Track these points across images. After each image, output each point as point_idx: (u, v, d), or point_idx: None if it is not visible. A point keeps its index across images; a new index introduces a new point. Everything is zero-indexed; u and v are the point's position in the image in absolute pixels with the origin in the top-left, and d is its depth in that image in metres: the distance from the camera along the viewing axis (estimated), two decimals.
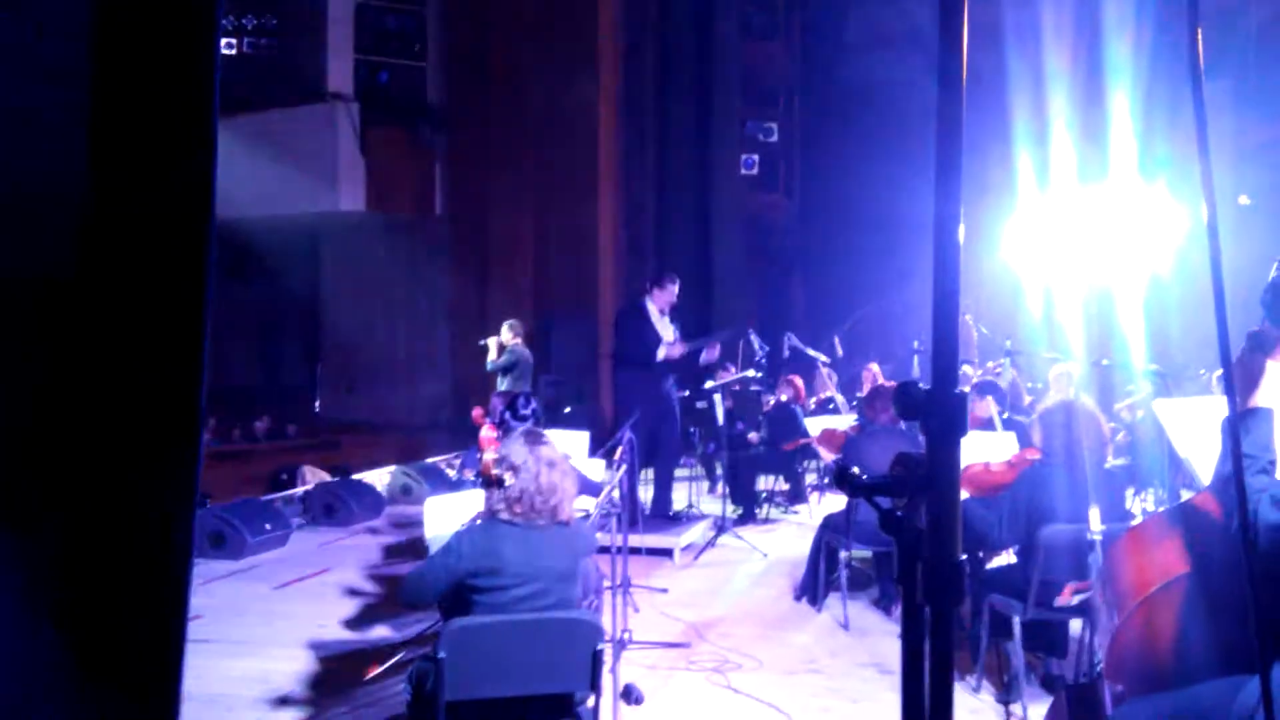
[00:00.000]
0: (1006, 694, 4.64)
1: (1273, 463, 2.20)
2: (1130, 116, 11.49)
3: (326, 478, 9.96)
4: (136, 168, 1.16)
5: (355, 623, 5.94)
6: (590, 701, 3.35)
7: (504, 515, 3.32)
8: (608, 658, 3.67)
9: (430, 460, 10.76)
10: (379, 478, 9.94)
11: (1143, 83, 11.77)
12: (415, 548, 7.16)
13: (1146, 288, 11.15)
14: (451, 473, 10.18)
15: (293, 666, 5.13)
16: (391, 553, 7.77)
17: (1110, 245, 11.45)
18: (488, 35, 13.21)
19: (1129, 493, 6.34)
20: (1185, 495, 6.02)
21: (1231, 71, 12.36)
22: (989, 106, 12.29)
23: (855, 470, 1.25)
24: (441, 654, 3.02)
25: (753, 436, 9.28)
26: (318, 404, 16.27)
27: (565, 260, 13.21)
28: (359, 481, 9.54)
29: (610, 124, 13.58)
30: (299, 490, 9.44)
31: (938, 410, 1.02)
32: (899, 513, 1.16)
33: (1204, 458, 3.60)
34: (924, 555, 1.09)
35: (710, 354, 8.04)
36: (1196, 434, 3.77)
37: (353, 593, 6.56)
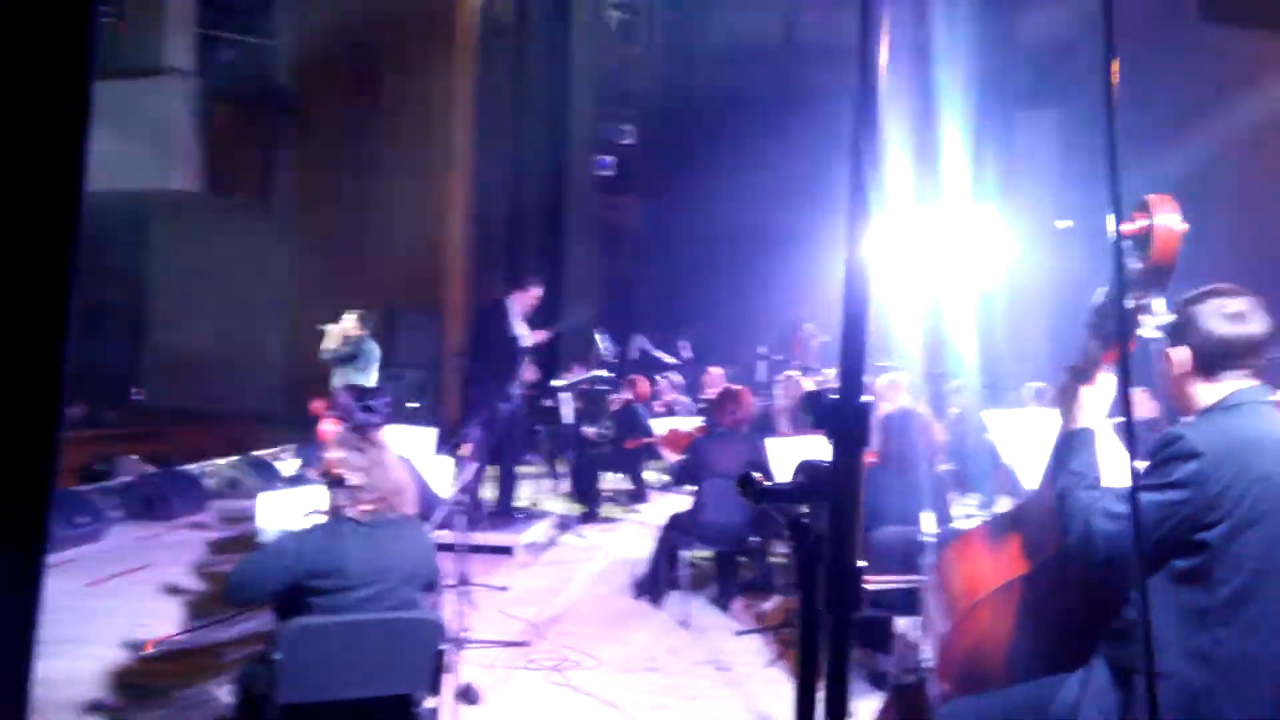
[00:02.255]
0: None
1: (1099, 479, 2.34)
2: (962, 142, 12.07)
3: (148, 468, 9.42)
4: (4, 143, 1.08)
5: (177, 622, 5.64)
6: (431, 702, 3.29)
7: (350, 513, 3.22)
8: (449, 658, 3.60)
9: (261, 453, 10.34)
10: (206, 470, 9.48)
11: (974, 109, 12.36)
12: (245, 544, 6.87)
13: (976, 304, 11.76)
14: (284, 467, 9.81)
15: (108, 668, 4.84)
16: (218, 549, 7.43)
17: (943, 262, 12.04)
18: (341, 18, 12.79)
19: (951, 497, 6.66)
20: (1005, 501, 6.37)
21: (1057, 100, 13.11)
22: (832, 124, 12.70)
23: (758, 476, 1.26)
24: (278, 655, 2.90)
25: (589, 431, 9.29)
26: (138, 391, 15.39)
27: (413, 253, 12.91)
28: (182, 473, 9.08)
29: (464, 117, 13.36)
30: (116, 482, 8.90)
31: (843, 419, 1.03)
32: (806, 520, 1.17)
33: (1027, 465, 3.83)
34: (825, 562, 1.10)
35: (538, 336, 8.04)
36: (1020, 443, 4.01)
37: (175, 590, 6.24)
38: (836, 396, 1.02)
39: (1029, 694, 2.41)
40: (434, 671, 3.17)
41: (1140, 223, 2.22)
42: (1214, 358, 2.24)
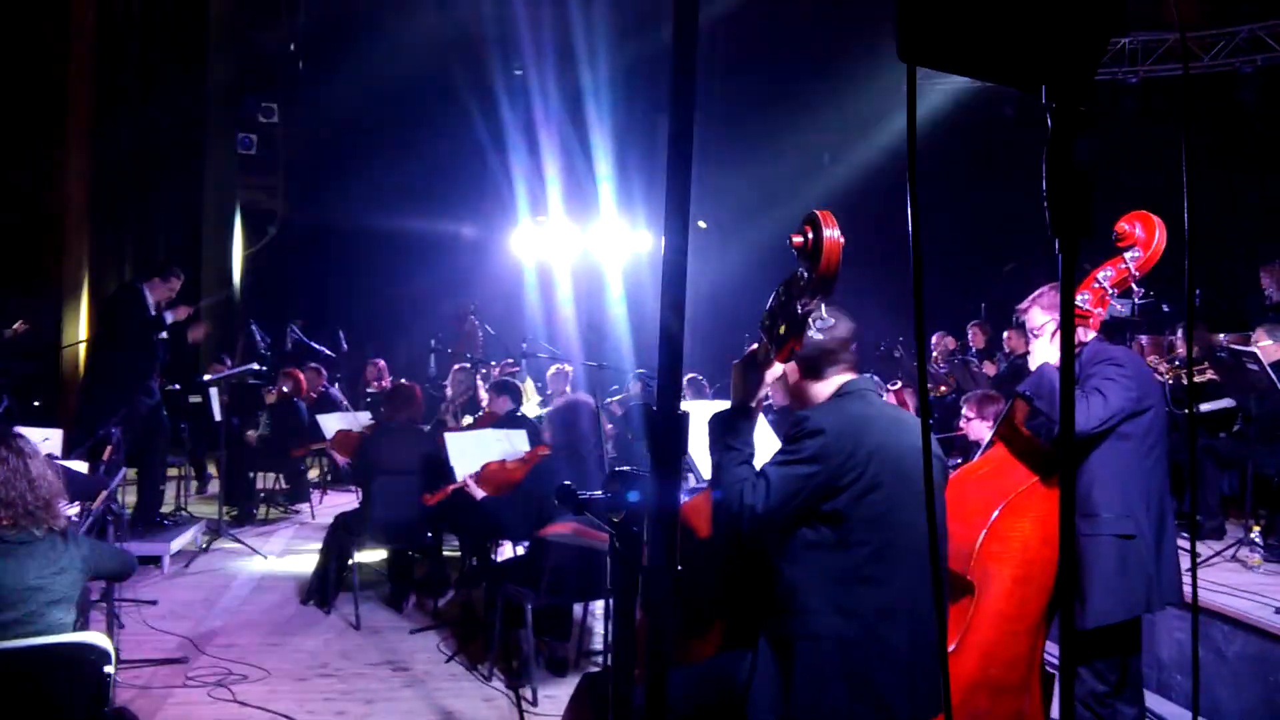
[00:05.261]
0: (517, 678, 4.87)
1: (753, 455, 2.56)
2: (610, 157, 12.64)
3: None
4: None
5: None
6: None
7: None
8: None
9: None
10: None
11: (620, 120, 12.92)
12: None
13: (626, 300, 12.39)
14: None
15: None
16: None
17: (599, 261, 12.59)
18: None
19: None
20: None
21: (700, 106, 13.94)
22: (484, 120, 12.82)
23: (570, 486, 1.27)
24: None
25: (250, 435, 8.76)
26: None
27: (18, 229, 11.37)
28: None
29: (81, 77, 11.94)
30: None
31: (662, 430, 1.06)
32: (635, 528, 1.19)
33: (701, 452, 4.10)
34: (643, 566, 1.12)
35: (195, 334, 7.65)
36: (693, 431, 4.28)
37: None
38: (655, 408, 1.06)
39: (720, 666, 2.59)
40: (96, 699, 2.87)
41: (808, 235, 2.44)
42: (817, 361, 2.58)
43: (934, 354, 9.22)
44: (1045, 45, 1.08)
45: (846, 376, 2.58)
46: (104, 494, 4.18)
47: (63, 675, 2.84)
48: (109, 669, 2.87)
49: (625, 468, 1.25)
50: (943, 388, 8.58)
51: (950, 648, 2.94)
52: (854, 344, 2.63)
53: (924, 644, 2.44)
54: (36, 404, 7.85)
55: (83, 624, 3.76)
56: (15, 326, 8.15)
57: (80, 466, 5.11)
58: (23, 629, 2.81)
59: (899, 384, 7.41)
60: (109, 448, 5.08)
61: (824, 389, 2.57)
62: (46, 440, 5.47)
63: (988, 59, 1.12)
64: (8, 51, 10.99)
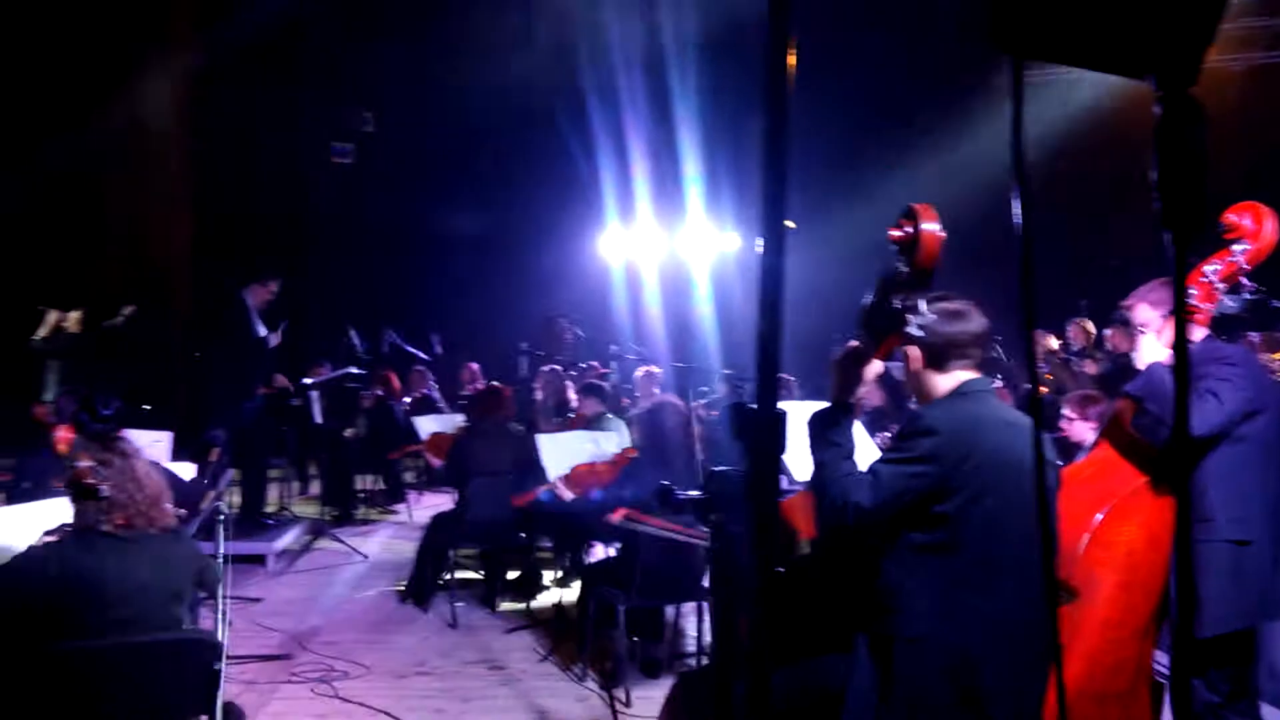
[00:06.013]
0: (611, 679, 4.89)
1: (854, 449, 2.52)
2: (698, 159, 12.62)
3: None
4: None
5: None
6: None
7: (106, 527, 2.96)
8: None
9: None
10: None
11: (707, 125, 12.88)
12: None
13: (714, 301, 12.37)
14: None
15: None
16: None
17: (686, 263, 12.60)
18: None
19: None
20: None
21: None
22: (572, 124, 12.91)
23: (669, 486, 1.27)
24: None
25: (349, 432, 8.98)
26: None
27: (130, 243, 11.87)
28: None
29: (181, 93, 12.39)
30: None
31: (760, 429, 1.05)
32: (731, 527, 1.19)
33: (796, 455, 4.07)
34: (742, 564, 1.12)
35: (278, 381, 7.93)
36: (791, 434, 4.25)
37: None
38: (754, 408, 1.05)
39: (816, 667, 2.57)
40: (208, 692, 2.97)
41: (907, 229, 2.39)
42: (943, 352, 2.51)
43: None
44: (1154, 31, 1.04)
45: (968, 375, 2.51)
46: (212, 494, 4.33)
47: (175, 670, 2.95)
48: (218, 665, 2.96)
49: (722, 468, 1.24)
50: (1042, 388, 8.35)
51: None
52: (984, 343, 2.57)
53: (1027, 651, 2.38)
54: (147, 408, 8.15)
55: (193, 620, 3.90)
56: (125, 311, 8.53)
57: (188, 468, 5.29)
58: (137, 625, 2.92)
59: (999, 383, 7.23)
60: (215, 450, 5.24)
61: (944, 382, 2.51)
62: (157, 443, 5.69)
63: (1092, 47, 1.09)
64: (106, 69, 11.44)
